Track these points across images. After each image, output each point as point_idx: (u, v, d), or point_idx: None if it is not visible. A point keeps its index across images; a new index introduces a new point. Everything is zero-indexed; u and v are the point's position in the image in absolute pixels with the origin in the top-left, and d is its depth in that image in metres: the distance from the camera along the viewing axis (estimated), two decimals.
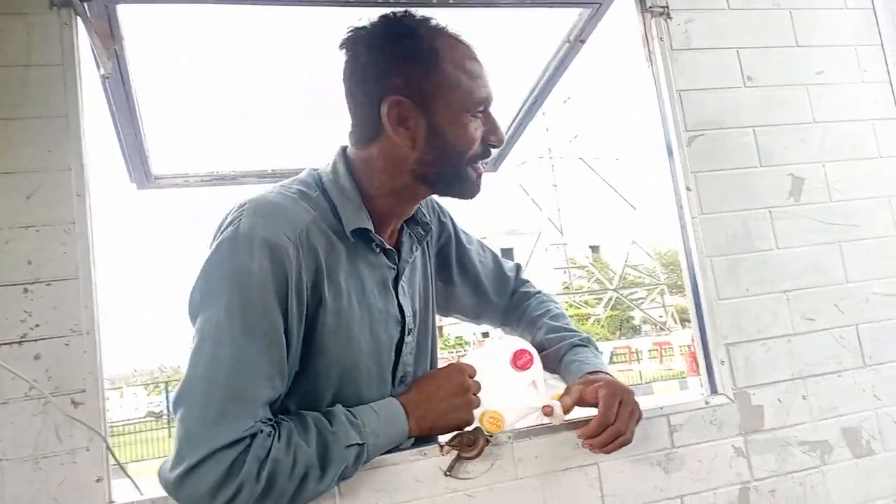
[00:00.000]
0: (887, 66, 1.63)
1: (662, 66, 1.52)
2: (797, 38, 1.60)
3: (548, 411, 1.22)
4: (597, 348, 1.40)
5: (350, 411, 1.09)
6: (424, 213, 1.29)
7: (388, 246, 1.18)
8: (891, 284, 1.53)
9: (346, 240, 1.12)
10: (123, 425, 17.08)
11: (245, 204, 1.07)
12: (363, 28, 1.11)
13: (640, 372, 21.46)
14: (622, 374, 20.83)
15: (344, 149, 1.20)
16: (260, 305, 0.99)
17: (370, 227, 1.13)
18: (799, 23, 1.61)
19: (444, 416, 1.16)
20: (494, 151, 1.22)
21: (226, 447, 0.94)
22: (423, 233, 1.27)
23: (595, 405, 1.19)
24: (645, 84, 1.57)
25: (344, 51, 1.12)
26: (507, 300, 1.50)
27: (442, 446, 1.21)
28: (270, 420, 1.01)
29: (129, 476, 1.24)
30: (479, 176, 1.17)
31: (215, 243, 1.04)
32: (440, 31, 1.11)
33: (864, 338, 1.50)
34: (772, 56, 1.58)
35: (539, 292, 1.52)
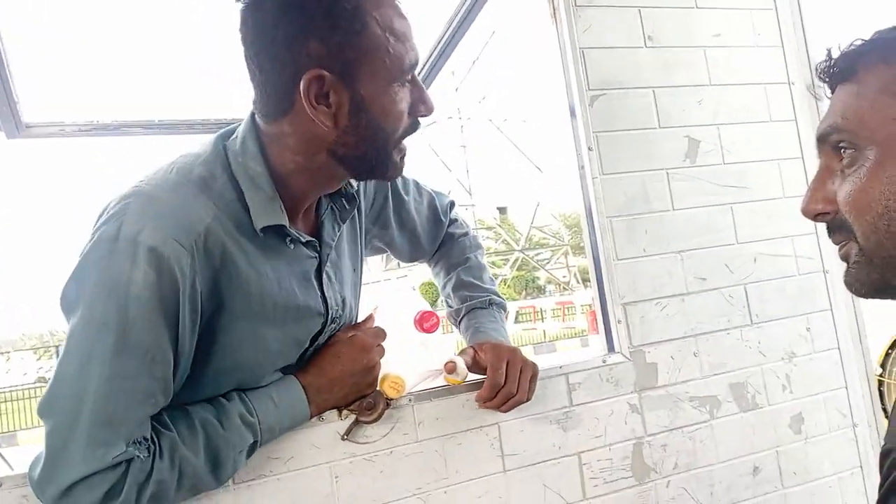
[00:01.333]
0: (780, 31, 1.67)
1: (566, 22, 1.49)
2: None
3: (450, 367, 1.21)
4: (501, 308, 1.39)
5: (246, 403, 1.01)
6: (350, 182, 1.11)
7: (305, 239, 1.04)
8: (777, 245, 1.59)
9: (254, 236, 0.98)
10: (11, 391, 16.16)
11: (131, 196, 0.92)
12: None
13: (543, 331, 22.12)
14: (527, 332, 21.44)
15: (253, 116, 1.01)
16: (140, 321, 0.87)
17: (284, 222, 0.98)
18: None
19: (347, 397, 1.15)
20: (424, 122, 1.03)
21: (98, 473, 0.86)
22: (347, 207, 1.12)
23: (486, 369, 1.19)
24: (549, 42, 1.55)
25: (242, 2, 0.92)
26: (438, 244, 1.45)
27: (340, 410, 1.17)
28: (146, 439, 0.91)
29: None
30: (404, 156, 1.02)
31: (95, 236, 0.90)
32: None
33: (752, 297, 1.56)
34: (672, 17, 1.58)
35: (465, 235, 1.45)
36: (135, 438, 0.89)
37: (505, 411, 1.22)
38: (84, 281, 0.89)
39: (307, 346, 1.11)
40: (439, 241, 1.44)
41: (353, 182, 1.12)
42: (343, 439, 1.17)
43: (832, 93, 0.73)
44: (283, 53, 0.90)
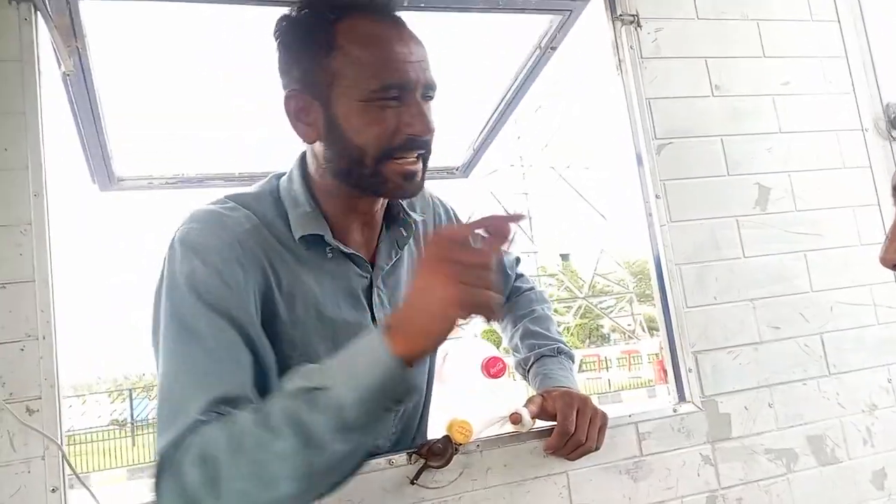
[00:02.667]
0: (851, 77, 1.66)
1: (632, 74, 1.52)
2: (764, 48, 1.62)
3: (516, 419, 1.21)
4: (570, 357, 1.39)
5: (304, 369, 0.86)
6: (408, 211, 1.16)
7: (346, 250, 1.08)
8: (853, 293, 1.55)
9: (297, 248, 1.05)
10: (86, 433, 16.70)
11: (185, 216, 1.03)
12: (284, 18, 1.03)
13: (608, 380, 21.60)
14: (591, 381, 20.97)
15: (304, 154, 1.13)
16: (200, 306, 0.92)
17: (323, 231, 1.05)
18: (766, 33, 1.63)
19: (435, 319, 0.79)
20: (427, 142, 1.01)
21: (164, 449, 0.83)
22: (405, 234, 1.16)
23: (555, 416, 1.19)
24: (615, 92, 1.58)
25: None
26: (505, 297, 1.46)
27: (410, 454, 1.19)
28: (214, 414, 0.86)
29: (86, 486, 1.20)
30: (408, 175, 1.01)
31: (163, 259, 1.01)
32: (349, 10, 0.99)
33: (829, 346, 1.51)
34: (739, 65, 1.59)
35: (531, 289, 1.48)
36: (199, 412, 0.85)
37: (573, 459, 1.21)
38: (158, 292, 0.97)
39: None
40: (506, 294, 1.46)
41: (415, 215, 1.18)
42: (412, 483, 1.18)
43: None
44: (283, 80, 1.04)
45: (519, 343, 1.42)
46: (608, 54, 1.58)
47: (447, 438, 1.19)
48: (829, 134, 1.62)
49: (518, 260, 1.50)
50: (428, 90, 1.01)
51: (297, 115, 1.02)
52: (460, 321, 0.79)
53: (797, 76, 1.63)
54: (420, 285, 0.81)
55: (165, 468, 0.81)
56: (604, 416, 1.21)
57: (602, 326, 36.73)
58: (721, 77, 1.58)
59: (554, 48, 1.72)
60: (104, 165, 1.86)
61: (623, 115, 1.55)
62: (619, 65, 1.55)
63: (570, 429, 1.17)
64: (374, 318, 1.12)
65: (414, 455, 1.18)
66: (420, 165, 1.03)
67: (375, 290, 1.13)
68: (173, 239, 0.99)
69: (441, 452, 1.19)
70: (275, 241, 1.04)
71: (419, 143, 1.01)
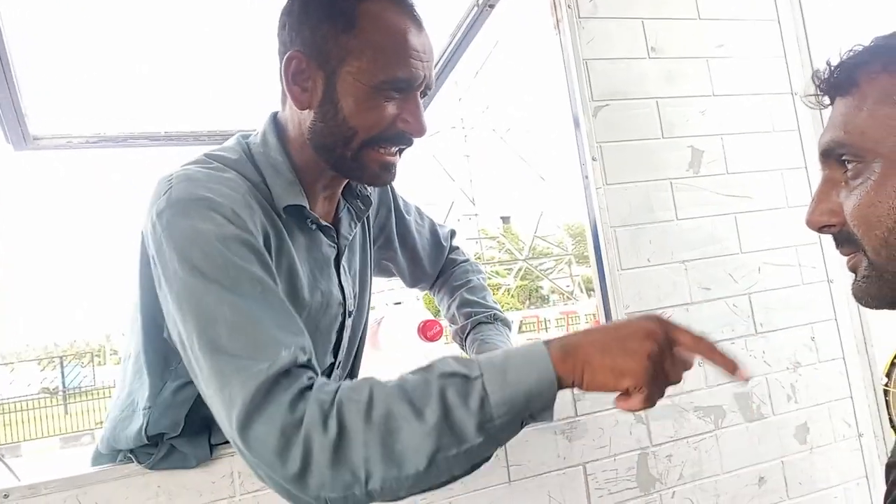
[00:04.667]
0: (783, 42, 1.68)
1: (570, 34, 1.50)
2: (699, 10, 1.62)
3: None
4: (505, 323, 1.40)
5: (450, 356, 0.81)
6: (364, 184, 1.16)
7: (324, 223, 1.08)
8: (780, 255, 1.59)
9: (279, 217, 1.02)
10: (16, 402, 16.14)
11: (171, 176, 0.94)
12: None
13: None
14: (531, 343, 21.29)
15: (275, 115, 1.08)
16: (232, 259, 0.84)
17: (305, 203, 1.02)
18: None
19: (606, 359, 0.76)
20: (414, 140, 1.02)
21: (281, 375, 0.75)
22: (362, 207, 1.16)
23: None
24: (553, 53, 1.56)
25: None
26: (439, 269, 1.48)
27: None
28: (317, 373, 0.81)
29: (3, 462, 1.14)
30: (387, 165, 1.01)
31: (151, 222, 0.90)
32: None
33: (756, 306, 1.55)
34: (675, 28, 1.59)
35: (466, 261, 1.49)
36: (297, 357, 0.79)
37: None
38: (164, 253, 0.87)
39: (336, 337, 1.13)
40: (440, 265, 1.47)
41: (368, 188, 1.17)
42: None
43: (832, 103, 0.71)
44: (284, 35, 0.99)
45: (456, 312, 1.42)
46: (546, 13, 1.55)
47: None
48: (760, 97, 1.64)
49: (453, 232, 1.51)
50: (427, 89, 1.02)
51: (295, 77, 0.98)
52: (620, 388, 0.76)
53: (730, 39, 1.64)
54: (622, 332, 0.78)
55: (274, 399, 0.74)
56: None
57: (542, 288, 37.34)
58: (657, 39, 1.57)
59: (492, 6, 1.69)
60: (18, 123, 1.74)
61: (560, 76, 1.54)
62: (557, 24, 1.53)
63: None
64: (342, 288, 1.12)
65: None
66: (398, 158, 1.04)
67: (342, 260, 1.13)
68: (169, 198, 0.89)
69: None
70: (266, 204, 1.00)
71: (407, 140, 1.02)
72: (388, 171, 1.03)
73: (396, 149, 1.03)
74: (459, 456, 0.74)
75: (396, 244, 1.37)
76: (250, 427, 0.74)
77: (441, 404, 0.73)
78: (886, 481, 0.55)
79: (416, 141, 1.04)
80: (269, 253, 0.96)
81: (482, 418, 0.73)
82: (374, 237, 1.32)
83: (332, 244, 1.11)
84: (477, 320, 1.38)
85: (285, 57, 0.98)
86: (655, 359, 0.76)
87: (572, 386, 0.78)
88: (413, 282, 1.50)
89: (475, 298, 1.41)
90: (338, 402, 0.74)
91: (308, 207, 1.04)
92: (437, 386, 0.74)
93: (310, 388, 0.76)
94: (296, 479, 0.73)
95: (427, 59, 0.99)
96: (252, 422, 0.74)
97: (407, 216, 1.38)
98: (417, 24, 1.00)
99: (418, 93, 1.00)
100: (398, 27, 0.97)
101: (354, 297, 1.18)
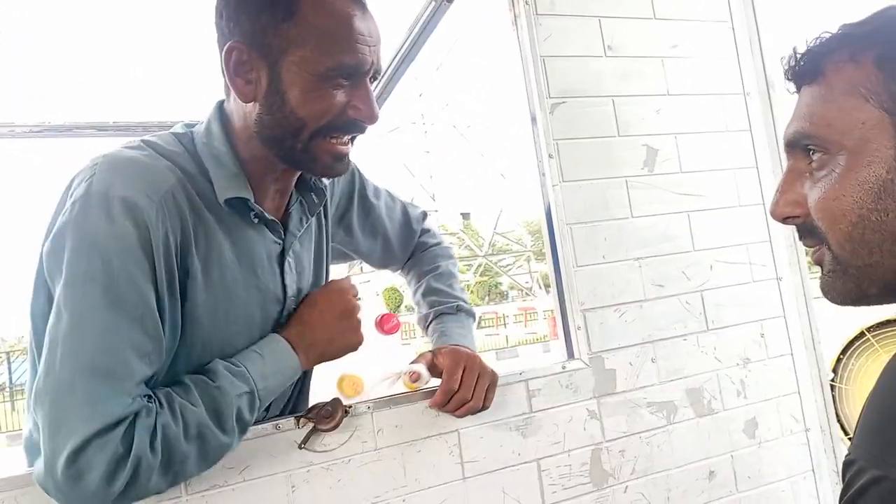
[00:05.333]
0: (736, 43, 1.71)
1: (527, 30, 1.50)
2: (654, 10, 1.64)
3: (415, 376, 1.21)
4: (469, 314, 1.39)
5: (230, 361, 0.99)
6: (322, 179, 1.15)
7: (269, 217, 1.05)
8: (732, 252, 1.62)
9: (218, 209, 0.99)
10: None
11: (98, 159, 0.94)
12: None
13: (506, 336, 22.19)
14: (489, 338, 21.48)
15: (221, 104, 1.05)
16: (124, 274, 0.87)
17: (248, 196, 1.00)
18: None
19: (333, 341, 1.10)
20: (386, 127, 1.07)
21: (106, 429, 0.83)
22: (315, 201, 1.14)
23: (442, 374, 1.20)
24: (510, 50, 1.55)
25: None
26: (410, 252, 1.46)
27: (298, 418, 1.15)
28: (146, 396, 0.90)
29: None
30: (339, 156, 1.01)
31: (67, 203, 0.91)
32: None
33: (708, 303, 1.58)
34: (630, 27, 1.60)
35: (437, 244, 1.47)
36: (137, 395, 0.88)
37: (460, 416, 1.23)
38: (63, 243, 0.89)
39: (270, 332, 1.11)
40: (411, 248, 1.46)
41: (325, 180, 1.15)
42: (300, 448, 1.15)
43: (798, 92, 0.70)
44: (222, 25, 0.97)
45: (421, 299, 1.42)
46: (503, 9, 1.55)
47: (336, 401, 1.17)
48: (713, 97, 1.67)
49: (425, 214, 1.49)
50: (377, 74, 1.00)
51: (237, 69, 0.96)
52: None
53: (685, 40, 1.66)
54: (331, 314, 1.10)
55: (110, 439, 0.84)
56: (493, 375, 1.22)
57: (501, 284, 37.56)
58: (613, 38, 1.58)
59: (450, 1, 1.68)
60: None
61: (518, 73, 1.53)
62: (515, 20, 1.53)
63: (454, 386, 1.18)
64: (283, 284, 1.10)
65: (302, 419, 1.15)
66: (350, 147, 1.03)
67: (286, 257, 1.11)
68: (89, 187, 0.89)
69: (330, 415, 1.17)
70: (196, 199, 0.98)
71: (359, 127, 1.00)
72: (340, 161, 1.02)
73: (348, 137, 1.01)
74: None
75: (359, 233, 1.35)
76: (84, 454, 0.83)
77: (237, 417, 0.96)
78: (843, 479, 0.55)
79: (368, 128, 1.02)
80: (190, 252, 0.96)
81: (254, 412, 1.00)
82: (333, 231, 1.30)
83: (278, 239, 1.09)
84: (439, 310, 1.37)
85: (225, 48, 0.95)
86: (357, 316, 1.12)
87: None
88: (381, 265, 1.48)
89: (440, 286, 1.40)
90: (161, 427, 0.88)
91: (253, 200, 1.01)
92: (235, 406, 0.96)
93: (134, 419, 0.87)
94: (101, 496, 0.84)
95: (374, 44, 0.98)
96: (87, 450, 0.83)
97: (376, 201, 1.35)
98: (362, 7, 0.98)
99: (367, 79, 0.98)
100: (342, 11, 0.95)
101: (299, 292, 1.15)
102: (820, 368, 1.67)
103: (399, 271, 1.51)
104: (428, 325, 1.38)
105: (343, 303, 1.11)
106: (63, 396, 0.84)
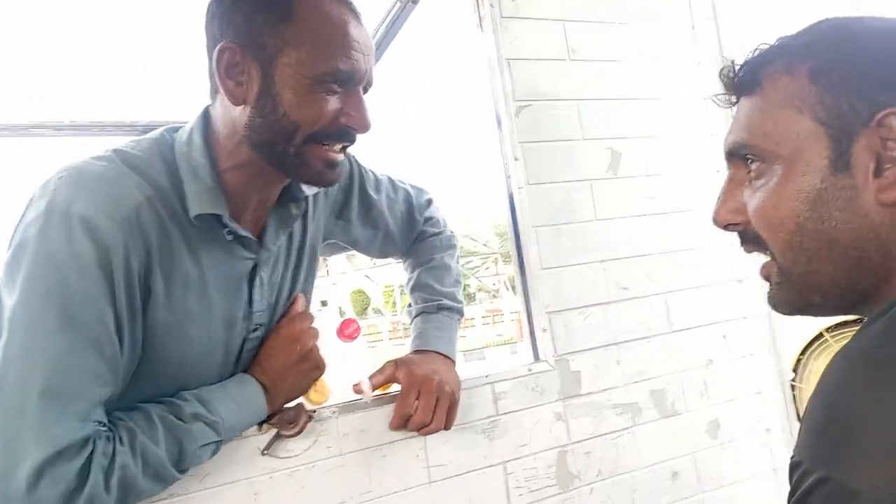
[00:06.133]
0: (698, 48, 1.73)
1: (492, 33, 1.50)
2: (619, 14, 1.65)
3: (357, 389, 1.21)
4: (453, 312, 1.37)
5: (205, 403, 0.99)
6: (301, 186, 1.11)
7: (243, 233, 1.01)
8: (694, 255, 1.64)
9: (189, 226, 0.97)
10: None
11: (63, 171, 0.91)
12: None
13: (474, 339, 22.25)
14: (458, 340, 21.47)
15: (207, 109, 1.02)
16: (81, 294, 0.86)
17: (222, 212, 0.97)
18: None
19: (296, 386, 1.13)
20: (357, 137, 1.01)
21: (60, 460, 0.82)
22: (294, 212, 1.11)
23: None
24: (476, 52, 1.55)
25: None
26: (411, 242, 1.44)
27: (260, 424, 1.13)
28: (104, 424, 0.89)
29: None
30: (331, 163, 0.99)
31: (28, 212, 0.89)
32: None
33: (671, 305, 1.59)
34: (595, 31, 1.61)
35: (437, 234, 1.44)
36: (91, 419, 0.86)
37: (423, 436, 1.22)
38: (21, 257, 0.87)
39: (237, 352, 1.10)
40: (413, 238, 1.43)
41: (308, 190, 1.12)
42: (263, 454, 1.14)
43: (737, 102, 0.72)
44: (213, 27, 0.94)
45: (410, 294, 1.40)
46: (469, 11, 1.55)
47: (300, 406, 1.16)
48: (676, 102, 1.69)
49: (430, 201, 1.45)
50: (369, 85, 0.99)
51: (229, 70, 0.93)
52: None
53: (648, 44, 1.67)
54: (289, 359, 1.11)
55: (65, 472, 0.83)
56: (452, 395, 1.20)
57: (469, 286, 37.68)
58: (577, 41, 1.59)
59: (415, 1, 1.67)
60: None
61: (483, 75, 1.53)
62: (480, 23, 1.53)
63: (408, 411, 1.18)
64: (251, 300, 1.08)
65: (265, 424, 1.13)
66: (343, 156, 1.01)
67: (259, 272, 1.08)
68: (51, 202, 0.87)
69: (294, 420, 1.15)
70: (165, 217, 0.95)
71: (350, 136, 0.99)
72: (332, 168, 1.00)
73: (340, 146, 0.99)
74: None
75: (358, 227, 1.33)
76: (38, 483, 0.81)
77: (196, 460, 0.98)
78: (790, 482, 0.56)
79: (359, 137, 1.00)
80: (153, 271, 0.94)
81: (215, 450, 1.02)
82: (330, 226, 1.28)
83: (251, 255, 1.06)
84: (421, 309, 1.35)
85: (217, 49, 0.93)
86: (315, 350, 1.14)
87: None
88: (382, 255, 1.47)
89: (429, 281, 1.38)
90: (119, 468, 0.87)
91: (228, 215, 0.98)
92: (199, 453, 0.98)
93: (92, 452, 0.85)
94: None
95: (368, 53, 0.97)
96: (41, 479, 0.81)
97: (376, 196, 1.33)
98: (356, 16, 0.97)
99: (360, 87, 0.97)
100: (338, 17, 0.94)
101: (269, 308, 1.13)
102: (781, 369, 1.70)
103: (400, 261, 1.49)
104: (412, 323, 1.37)
105: (299, 347, 1.12)
106: (13, 418, 0.82)
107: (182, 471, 0.97)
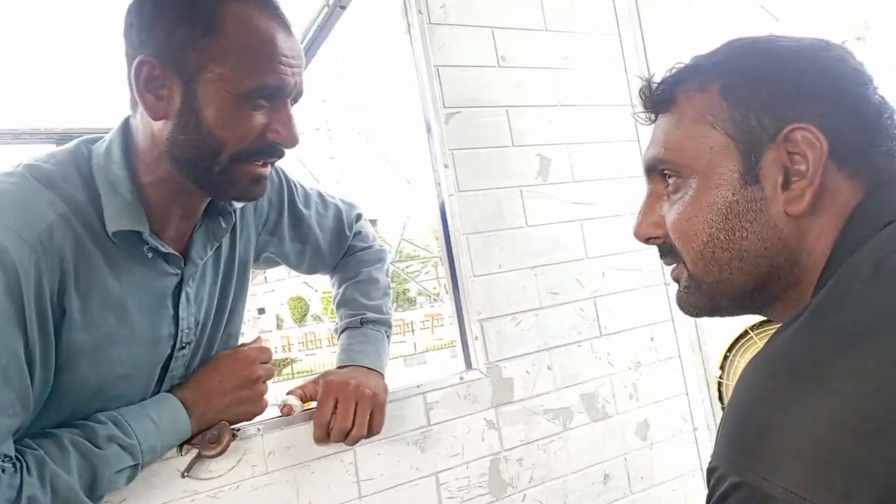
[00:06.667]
0: (623, 55, 1.76)
1: (420, 39, 1.49)
2: (546, 22, 1.66)
3: (286, 410, 1.19)
4: (379, 325, 1.34)
5: (120, 425, 0.94)
6: (232, 203, 1.08)
7: (165, 249, 0.97)
8: (622, 259, 1.66)
9: (107, 243, 0.92)
10: None
11: None
12: None
13: (414, 343, 22.22)
14: (396, 345, 21.43)
15: (126, 121, 0.98)
16: None
17: (142, 228, 0.93)
18: (548, 6, 1.67)
19: (228, 409, 1.09)
20: (285, 153, 0.99)
21: None
22: (223, 226, 1.07)
23: None
24: (404, 57, 1.54)
25: None
26: (340, 257, 1.41)
27: (181, 446, 1.09)
28: (8, 456, 0.84)
29: None
30: (257, 177, 0.96)
31: None
32: None
33: (601, 309, 1.61)
34: (523, 38, 1.62)
35: (365, 248, 1.41)
36: None
37: (350, 445, 1.19)
38: None
39: (161, 371, 1.05)
40: (342, 254, 1.41)
41: (235, 203, 1.08)
42: (183, 476, 1.09)
43: (655, 119, 0.74)
44: (132, 36, 0.90)
45: (336, 311, 1.38)
46: (398, 17, 1.53)
47: (223, 424, 1.11)
48: (603, 109, 1.71)
49: (359, 216, 1.43)
50: (298, 96, 0.96)
51: (147, 84, 0.89)
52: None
53: (575, 51, 1.69)
54: (231, 383, 1.09)
55: None
56: (373, 398, 1.18)
57: (409, 290, 37.59)
58: (506, 48, 1.60)
59: (343, 7, 1.65)
60: None
61: (412, 81, 1.52)
62: (409, 29, 1.51)
63: (325, 418, 1.15)
64: (177, 318, 1.04)
65: (185, 445, 1.09)
66: (269, 169, 0.98)
67: (184, 288, 1.04)
68: None
69: (216, 440, 1.11)
70: (82, 234, 0.90)
71: (278, 151, 0.96)
72: (258, 183, 0.97)
73: (266, 161, 0.97)
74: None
75: (289, 242, 1.30)
76: None
77: (111, 486, 0.95)
78: (707, 485, 0.56)
79: (287, 152, 0.97)
80: (68, 291, 0.89)
81: (131, 475, 0.99)
82: (264, 241, 1.25)
83: (175, 272, 1.02)
84: (345, 325, 1.33)
85: (135, 61, 0.89)
86: (263, 384, 1.13)
87: None
88: (310, 272, 1.43)
89: (354, 296, 1.35)
90: (25, 499, 0.83)
91: (147, 232, 0.94)
92: (114, 479, 0.94)
93: (2, 480, 0.82)
94: None
95: (297, 65, 0.94)
96: None
97: (305, 211, 1.30)
98: (286, 27, 0.93)
99: (288, 101, 0.94)
100: (266, 31, 0.91)
101: (197, 325, 1.09)
102: (706, 369, 1.74)
103: (328, 276, 1.46)
104: (338, 339, 1.35)
105: (248, 371, 1.10)
106: None
107: (97, 498, 0.93)
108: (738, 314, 0.73)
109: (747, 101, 0.65)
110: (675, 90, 0.70)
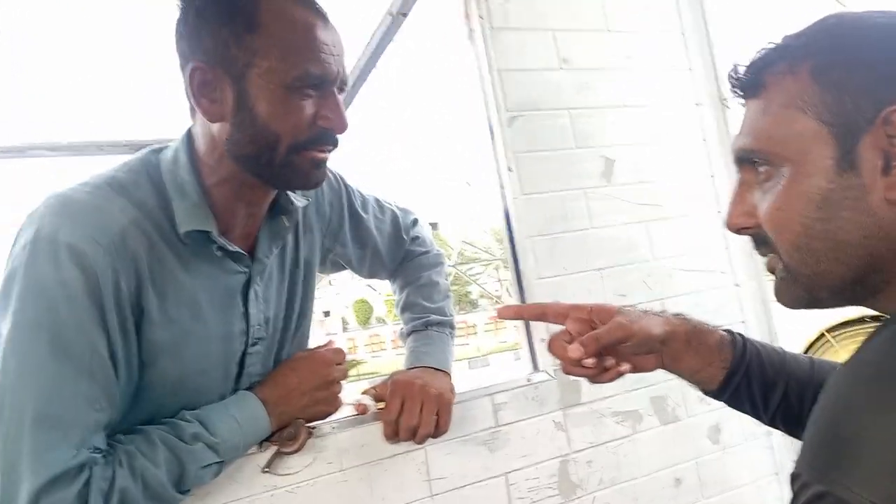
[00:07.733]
0: (688, 53, 1.73)
1: (483, 44, 1.51)
2: (608, 23, 1.66)
3: (361, 409, 1.22)
4: (443, 327, 1.37)
5: (206, 425, 0.99)
6: (292, 199, 1.11)
7: (233, 248, 1.02)
8: (690, 260, 1.64)
9: (178, 243, 0.97)
10: None
11: (50, 198, 0.93)
12: None
13: (477, 346, 22.21)
14: (460, 348, 21.48)
15: (190, 130, 1.03)
16: (72, 321, 0.87)
17: (211, 228, 0.98)
18: (609, 8, 1.67)
19: (306, 409, 1.13)
20: (338, 138, 1.01)
21: (53, 482, 0.83)
22: (286, 224, 1.11)
23: None
24: (467, 62, 1.56)
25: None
26: (399, 262, 1.44)
27: (261, 442, 1.13)
28: (100, 449, 0.89)
29: None
30: (318, 163, 0.99)
31: (16, 241, 0.91)
32: None
33: (670, 311, 1.59)
34: (585, 40, 1.62)
35: (424, 253, 1.44)
36: (87, 445, 0.87)
37: (418, 443, 1.21)
38: (11, 286, 0.88)
39: (238, 368, 1.10)
40: (400, 258, 1.44)
41: (297, 202, 1.12)
42: (264, 472, 1.13)
43: (745, 105, 0.71)
44: (183, 47, 0.95)
45: (400, 315, 1.41)
46: (459, 23, 1.55)
47: (299, 422, 1.15)
48: (668, 108, 1.69)
49: (416, 221, 1.46)
50: (343, 84, 0.99)
51: (202, 89, 0.94)
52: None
53: (638, 51, 1.68)
54: (309, 384, 1.13)
55: (63, 498, 0.83)
56: (439, 398, 1.19)
57: (471, 293, 37.64)
58: (568, 50, 1.60)
59: (405, 14, 1.68)
60: None
61: (475, 85, 1.54)
62: (470, 34, 1.53)
63: (392, 416, 1.17)
64: (247, 314, 1.08)
65: (265, 442, 1.13)
66: (328, 155, 1.01)
67: (253, 286, 1.08)
68: (38, 231, 0.88)
69: (293, 437, 1.15)
70: (154, 236, 0.96)
71: (332, 138, 0.99)
72: (319, 168, 1.00)
73: (324, 148, 1.00)
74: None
75: (351, 246, 1.33)
76: None
77: (197, 482, 0.99)
78: (791, 491, 0.55)
79: (340, 139, 1.01)
80: (145, 291, 0.94)
81: (217, 471, 1.03)
82: (328, 245, 1.29)
83: (243, 270, 1.06)
84: (411, 328, 1.36)
85: (188, 70, 0.93)
86: (338, 385, 1.16)
87: None
88: (370, 276, 1.47)
89: (417, 300, 1.38)
90: (118, 491, 0.88)
91: (216, 231, 0.99)
92: (200, 475, 0.98)
93: (89, 477, 0.86)
94: None
95: (338, 53, 0.97)
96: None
97: (364, 215, 1.33)
98: (323, 18, 0.97)
99: (334, 88, 0.97)
100: (304, 21, 0.94)
101: (267, 322, 1.13)
102: None
103: (389, 281, 1.50)
104: (405, 342, 1.38)
105: (325, 373, 1.14)
106: (11, 446, 0.84)
107: (184, 492, 0.97)
108: (840, 306, 0.69)
109: (840, 82, 0.61)
110: (763, 74, 0.67)
